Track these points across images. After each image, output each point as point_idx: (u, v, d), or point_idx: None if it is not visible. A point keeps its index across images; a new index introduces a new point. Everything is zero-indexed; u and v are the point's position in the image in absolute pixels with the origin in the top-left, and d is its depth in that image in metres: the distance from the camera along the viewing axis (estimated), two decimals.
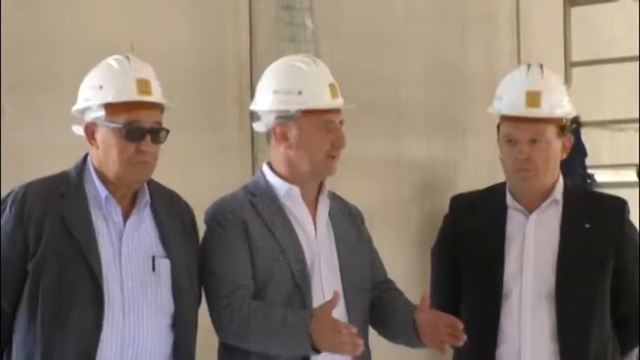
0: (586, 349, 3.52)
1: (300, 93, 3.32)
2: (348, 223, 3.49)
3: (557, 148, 3.55)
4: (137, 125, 3.13)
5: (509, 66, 6.83)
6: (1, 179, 3.81)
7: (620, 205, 3.68)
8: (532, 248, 3.57)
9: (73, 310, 3.03)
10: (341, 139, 3.35)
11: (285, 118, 3.34)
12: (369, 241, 3.58)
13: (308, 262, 3.32)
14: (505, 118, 3.57)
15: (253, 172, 5.10)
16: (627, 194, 4.53)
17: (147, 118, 3.16)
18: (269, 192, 3.39)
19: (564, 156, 3.59)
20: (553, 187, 3.61)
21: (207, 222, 3.39)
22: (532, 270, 3.55)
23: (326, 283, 3.34)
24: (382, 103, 5.90)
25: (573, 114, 3.59)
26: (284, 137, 3.35)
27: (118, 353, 3.08)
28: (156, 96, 3.19)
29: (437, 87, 6.29)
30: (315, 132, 3.33)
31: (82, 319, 3.03)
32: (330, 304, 3.16)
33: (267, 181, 3.42)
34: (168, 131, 3.21)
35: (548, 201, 3.59)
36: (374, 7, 5.99)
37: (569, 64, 7.07)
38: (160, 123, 3.20)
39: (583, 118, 6.85)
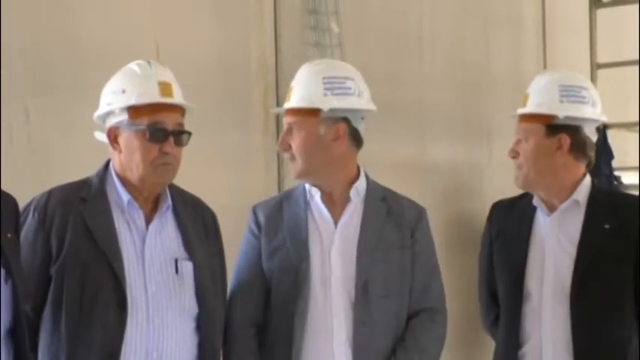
0: (601, 347, 3.53)
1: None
2: (391, 228, 3.49)
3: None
4: (160, 127, 3.17)
5: (534, 67, 6.82)
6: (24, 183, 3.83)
7: None
8: (553, 249, 3.62)
9: (97, 312, 3.07)
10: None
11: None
12: (412, 247, 3.51)
13: (318, 262, 3.40)
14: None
15: (279, 175, 5.12)
16: None
17: (169, 120, 3.19)
18: (303, 194, 3.50)
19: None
20: (574, 188, 3.63)
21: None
22: (552, 271, 3.60)
23: (335, 284, 3.39)
24: (406, 106, 5.89)
25: None
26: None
27: (142, 355, 3.11)
28: (177, 98, 3.22)
29: (461, 89, 6.28)
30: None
31: (106, 322, 3.06)
32: None
33: (304, 184, 3.53)
34: (190, 134, 3.23)
35: (568, 202, 3.63)
36: (398, 11, 5.99)
37: (595, 66, 7.04)
38: (182, 125, 3.23)
39: (609, 120, 6.82)
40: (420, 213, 3.55)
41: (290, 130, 3.47)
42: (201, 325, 3.23)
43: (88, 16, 4.36)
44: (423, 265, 3.51)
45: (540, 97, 3.67)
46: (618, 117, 7.00)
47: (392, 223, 3.49)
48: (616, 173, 6.87)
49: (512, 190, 3.98)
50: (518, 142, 3.69)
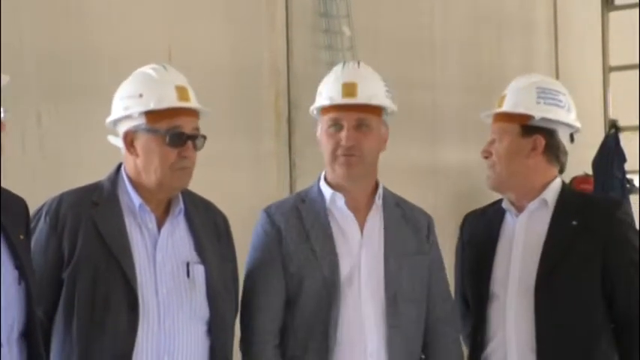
0: (565, 345, 3.51)
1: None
2: (409, 233, 3.48)
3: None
4: (179, 131, 3.17)
5: (546, 71, 6.82)
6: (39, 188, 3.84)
7: (611, 204, 3.75)
8: (520, 249, 3.62)
9: (108, 316, 3.07)
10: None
11: None
12: (429, 254, 3.51)
13: (347, 269, 3.35)
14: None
15: (291, 179, 5.13)
16: None
17: (187, 124, 3.19)
18: (320, 198, 3.44)
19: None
20: (542, 188, 3.64)
21: (258, 223, 3.45)
22: (518, 267, 3.59)
23: (365, 290, 3.36)
24: (419, 110, 5.90)
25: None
26: None
27: (153, 358, 3.10)
28: (193, 102, 3.23)
29: (474, 93, 6.28)
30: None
31: (118, 325, 3.07)
32: None
33: (319, 188, 3.47)
34: (205, 137, 3.24)
35: (535, 202, 3.63)
36: (411, 14, 6.00)
37: (608, 69, 7.04)
38: (198, 129, 3.24)
39: (621, 123, 6.81)
40: (430, 220, 3.57)
41: None
42: (213, 328, 3.22)
43: (100, 21, 4.39)
44: (439, 272, 3.53)
45: (517, 97, 3.67)
46: (631, 120, 6.98)
47: (409, 228, 3.48)
48: (628, 176, 6.84)
49: None
50: (492, 142, 3.68)
